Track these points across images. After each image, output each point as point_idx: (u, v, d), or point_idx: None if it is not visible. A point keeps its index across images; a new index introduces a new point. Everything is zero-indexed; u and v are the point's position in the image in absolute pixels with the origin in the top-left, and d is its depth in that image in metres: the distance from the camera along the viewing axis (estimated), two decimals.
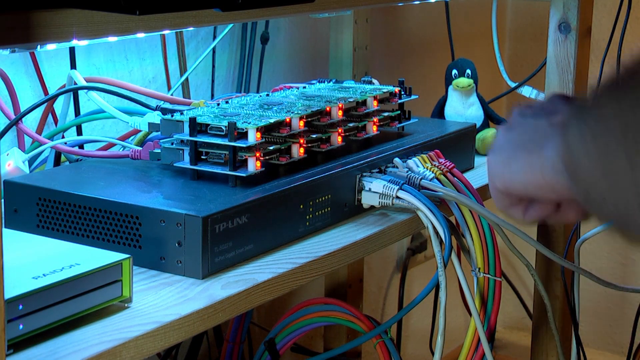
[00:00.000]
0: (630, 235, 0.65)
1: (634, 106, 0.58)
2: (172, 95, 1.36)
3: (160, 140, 1.05)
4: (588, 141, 0.62)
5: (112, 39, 0.94)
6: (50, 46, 0.97)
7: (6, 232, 0.90)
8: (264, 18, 1.42)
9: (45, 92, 1.24)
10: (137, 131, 1.13)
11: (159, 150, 1.04)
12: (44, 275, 0.78)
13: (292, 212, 1.01)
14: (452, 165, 1.15)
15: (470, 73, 1.49)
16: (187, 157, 1.02)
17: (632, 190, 0.59)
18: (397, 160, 1.13)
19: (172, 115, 1.04)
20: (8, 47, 0.90)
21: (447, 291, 1.06)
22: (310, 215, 1.03)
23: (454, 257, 1.08)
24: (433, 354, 1.14)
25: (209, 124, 1.01)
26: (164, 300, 0.85)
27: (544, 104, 0.80)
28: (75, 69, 1.25)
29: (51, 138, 1.15)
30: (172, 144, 1.04)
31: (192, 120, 1.01)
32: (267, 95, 1.20)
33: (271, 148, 1.03)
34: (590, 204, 0.65)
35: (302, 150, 1.07)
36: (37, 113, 1.21)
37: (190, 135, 1.01)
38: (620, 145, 0.59)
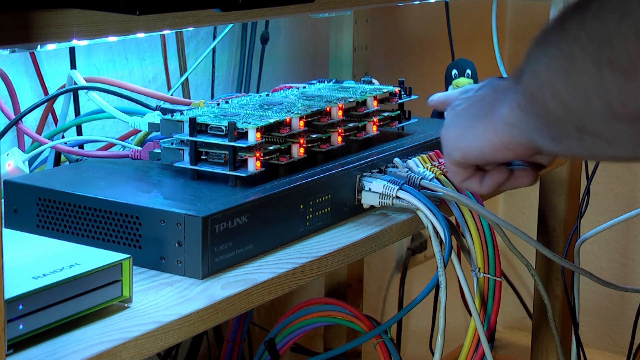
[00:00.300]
0: (586, 149, 0.66)
1: (597, 12, 0.59)
2: (172, 95, 1.36)
3: (160, 140, 1.05)
4: (551, 56, 0.64)
5: (112, 39, 0.94)
6: (50, 46, 0.97)
7: (6, 232, 0.90)
8: (264, 18, 1.42)
9: (45, 92, 1.24)
10: (137, 131, 1.13)
11: (159, 150, 1.04)
12: (44, 275, 0.78)
13: (292, 212, 1.01)
14: None
15: (470, 73, 1.49)
16: (187, 157, 1.02)
17: (596, 90, 0.60)
18: (397, 160, 1.13)
19: (172, 115, 1.04)
20: (8, 47, 0.90)
21: (447, 291, 1.06)
22: (310, 215, 1.03)
23: (454, 257, 1.08)
24: (433, 354, 1.14)
25: (209, 124, 1.01)
26: (164, 300, 0.85)
27: (484, 83, 0.84)
28: (75, 69, 1.25)
29: (51, 138, 1.15)
30: (172, 144, 1.04)
31: (192, 120, 1.01)
32: (267, 95, 1.20)
33: (271, 148, 1.03)
34: (549, 126, 0.67)
35: (302, 150, 1.07)
36: (37, 113, 1.21)
37: (190, 135, 1.01)
38: (585, 51, 0.60)
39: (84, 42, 1.15)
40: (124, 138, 1.15)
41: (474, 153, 0.80)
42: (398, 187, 1.07)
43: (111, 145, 1.18)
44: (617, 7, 0.58)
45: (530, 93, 0.68)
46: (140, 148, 1.08)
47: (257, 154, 1.00)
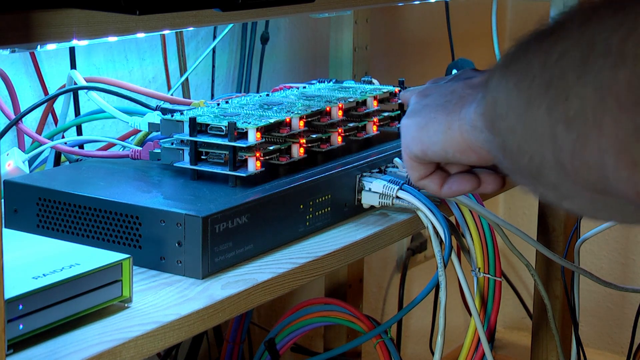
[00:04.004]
0: (541, 193, 0.59)
1: (560, 59, 0.52)
2: (172, 95, 1.36)
3: (160, 140, 1.05)
4: (510, 88, 0.57)
5: (112, 39, 0.94)
6: (50, 46, 0.97)
7: (6, 232, 0.90)
8: (264, 18, 1.42)
9: (45, 92, 1.24)
10: (137, 131, 1.13)
11: (159, 150, 1.04)
12: (44, 275, 0.78)
13: (292, 212, 1.01)
14: None
15: None
16: (187, 157, 1.02)
17: (549, 145, 0.53)
18: (397, 160, 1.13)
19: (172, 115, 1.04)
20: (8, 47, 0.90)
21: (447, 291, 1.06)
22: (310, 215, 1.03)
23: (454, 257, 1.08)
24: (433, 354, 1.14)
25: (209, 124, 1.01)
26: (164, 300, 0.85)
27: (458, 73, 0.77)
28: (75, 69, 1.25)
29: (51, 138, 1.15)
30: (172, 144, 1.04)
31: (192, 120, 1.01)
32: (267, 95, 1.20)
33: (271, 148, 1.03)
34: (506, 156, 0.60)
35: (302, 150, 1.07)
36: (37, 113, 1.21)
37: (190, 135, 1.01)
38: (542, 98, 0.52)
39: (84, 42, 1.15)
40: (124, 138, 1.15)
41: (436, 149, 0.72)
42: (398, 187, 1.07)
43: (111, 145, 1.18)
44: (580, 60, 0.50)
45: (490, 117, 0.61)
46: (140, 148, 1.08)
47: (257, 154, 1.00)
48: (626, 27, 0.47)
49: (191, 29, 1.46)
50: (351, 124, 1.16)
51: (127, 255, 0.84)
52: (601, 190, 0.51)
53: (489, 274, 1.14)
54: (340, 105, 1.13)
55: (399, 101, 1.26)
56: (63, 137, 1.17)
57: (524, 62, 0.55)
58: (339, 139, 1.13)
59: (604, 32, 0.48)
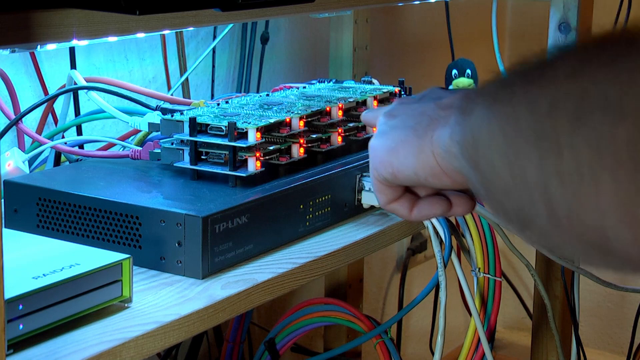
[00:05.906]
0: (529, 237, 0.55)
1: (551, 110, 0.48)
2: (172, 95, 1.36)
3: (160, 140, 1.05)
4: (494, 131, 0.53)
5: (112, 39, 0.94)
6: (50, 46, 0.97)
7: (6, 232, 0.90)
8: (264, 18, 1.42)
9: (45, 92, 1.24)
10: (137, 131, 1.13)
11: (159, 150, 1.04)
12: (44, 275, 0.78)
13: (292, 212, 1.01)
14: None
15: (470, 73, 1.49)
16: (187, 157, 1.02)
17: (542, 197, 0.49)
18: None
19: (172, 115, 1.04)
20: (8, 47, 0.90)
21: (447, 291, 1.06)
22: (310, 215, 1.03)
23: (454, 257, 1.08)
24: (433, 354, 1.15)
25: (209, 124, 1.01)
26: (164, 300, 0.85)
27: (425, 93, 0.74)
28: (75, 69, 1.25)
29: (51, 138, 1.15)
30: (172, 144, 1.04)
31: (192, 120, 1.01)
32: (267, 95, 1.20)
33: (271, 148, 1.03)
34: (488, 195, 0.56)
35: (302, 150, 1.07)
36: (37, 113, 1.21)
37: (190, 135, 1.01)
38: (532, 148, 0.49)
39: (84, 42, 1.15)
40: (124, 138, 1.15)
41: (407, 173, 0.68)
42: None
43: (111, 145, 1.18)
44: (573, 112, 0.46)
45: (470, 152, 0.57)
46: (140, 148, 1.08)
47: (257, 154, 1.00)
48: (624, 79, 0.44)
49: (191, 29, 1.46)
50: (351, 124, 1.16)
51: (127, 255, 0.84)
52: (600, 248, 0.47)
53: (489, 274, 1.14)
54: (340, 105, 1.13)
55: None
56: (63, 137, 1.17)
57: (508, 105, 0.51)
58: (339, 139, 1.13)
59: (599, 83, 0.45)
